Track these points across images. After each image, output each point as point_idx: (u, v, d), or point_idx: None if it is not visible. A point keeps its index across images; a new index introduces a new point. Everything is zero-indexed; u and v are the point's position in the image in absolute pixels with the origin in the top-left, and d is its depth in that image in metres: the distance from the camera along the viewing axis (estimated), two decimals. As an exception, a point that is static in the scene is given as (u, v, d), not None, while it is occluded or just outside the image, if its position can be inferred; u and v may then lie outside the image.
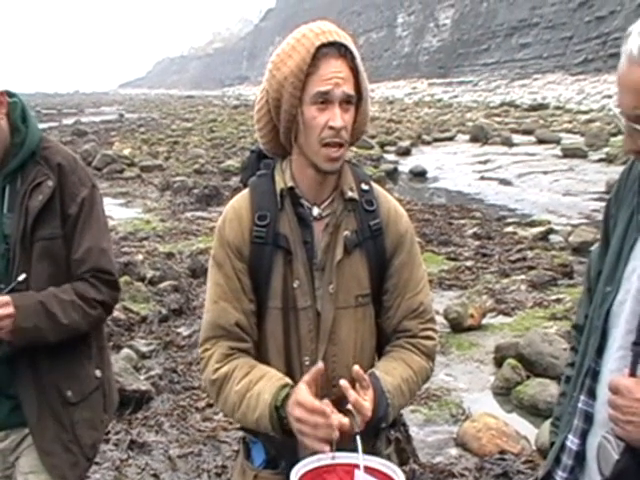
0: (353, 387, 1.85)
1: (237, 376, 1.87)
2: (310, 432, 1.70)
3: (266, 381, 1.83)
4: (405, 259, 1.99)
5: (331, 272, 1.90)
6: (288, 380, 1.82)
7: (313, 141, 1.84)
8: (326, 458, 1.73)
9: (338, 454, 1.73)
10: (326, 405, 1.71)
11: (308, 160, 1.88)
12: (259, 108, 1.94)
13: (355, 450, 1.73)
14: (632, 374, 1.61)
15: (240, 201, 1.97)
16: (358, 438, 1.68)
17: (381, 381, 1.83)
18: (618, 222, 1.81)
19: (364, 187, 1.99)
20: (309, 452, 1.89)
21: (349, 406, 1.73)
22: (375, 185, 2.05)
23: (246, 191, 1.98)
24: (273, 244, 1.89)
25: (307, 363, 1.90)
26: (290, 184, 1.91)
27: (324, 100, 1.80)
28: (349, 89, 1.82)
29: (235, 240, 1.91)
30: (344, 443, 1.75)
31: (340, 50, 1.81)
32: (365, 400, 1.74)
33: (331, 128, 1.80)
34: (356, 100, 1.86)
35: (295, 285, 1.89)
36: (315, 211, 1.93)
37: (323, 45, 1.79)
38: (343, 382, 1.72)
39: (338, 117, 1.80)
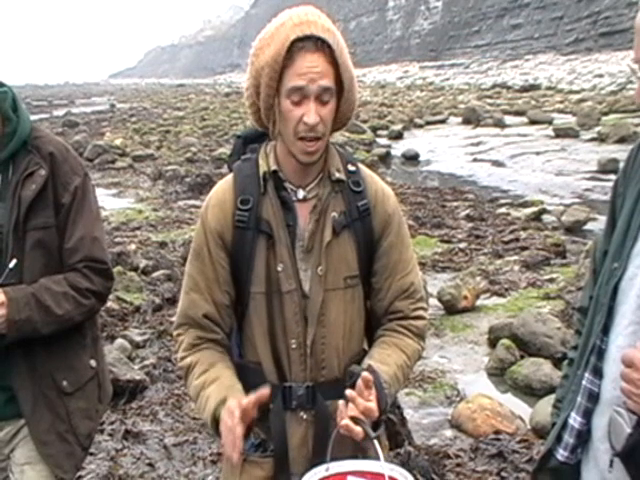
0: (344, 374, 1.88)
1: (196, 372, 1.92)
2: (223, 435, 1.73)
3: (215, 387, 1.85)
4: (394, 240, 1.99)
5: (320, 254, 1.89)
6: (236, 389, 1.83)
7: (289, 133, 1.82)
8: (321, 470, 1.72)
9: (332, 464, 1.72)
10: (241, 408, 1.70)
11: (288, 149, 1.87)
12: (246, 89, 1.93)
13: (356, 457, 1.75)
14: None
15: (224, 185, 1.96)
16: (376, 443, 1.67)
17: (379, 375, 1.82)
18: (626, 200, 1.79)
19: (351, 168, 1.97)
20: (297, 444, 1.92)
21: (355, 413, 1.71)
22: (362, 166, 2.03)
23: (230, 175, 1.98)
24: (255, 229, 1.89)
25: (293, 346, 1.90)
26: (274, 167, 1.90)
27: (299, 95, 1.78)
28: (327, 82, 1.78)
29: (217, 226, 1.91)
30: (348, 450, 1.77)
31: (317, 44, 1.76)
32: (371, 401, 1.73)
33: (306, 124, 1.78)
34: (339, 89, 1.83)
35: (279, 269, 1.88)
36: (300, 194, 1.92)
37: (299, 39, 1.75)
38: (349, 392, 1.72)
39: (312, 113, 1.77)
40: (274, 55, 1.76)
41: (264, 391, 1.74)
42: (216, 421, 1.79)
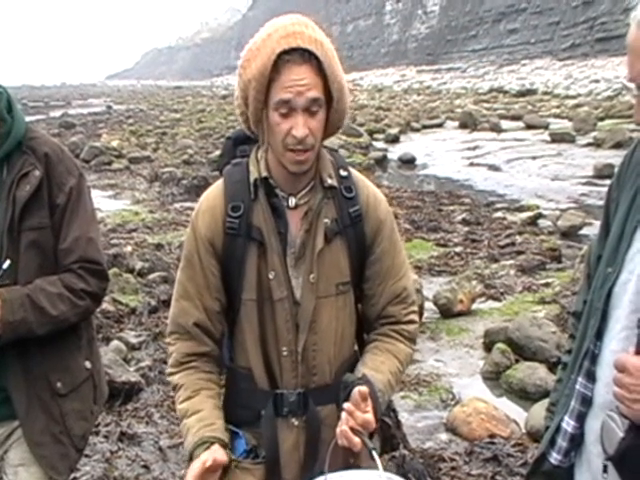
0: (335, 379, 1.89)
1: (181, 395, 1.95)
2: None
3: (196, 421, 1.88)
4: (386, 246, 1.99)
5: (312, 262, 1.88)
6: (210, 433, 1.85)
7: (278, 145, 1.82)
8: None
9: (330, 475, 1.72)
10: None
11: (277, 159, 1.87)
12: (236, 98, 1.92)
13: (349, 466, 1.76)
14: (638, 352, 1.59)
15: (214, 191, 1.96)
16: (375, 454, 1.67)
17: (374, 385, 1.83)
18: (620, 204, 1.80)
19: (343, 173, 1.97)
20: (289, 450, 1.92)
21: (353, 424, 1.71)
22: (353, 170, 2.02)
23: (220, 181, 1.97)
24: (246, 236, 1.88)
25: (285, 353, 1.90)
26: (264, 174, 1.89)
27: (287, 108, 1.76)
28: (315, 94, 1.76)
29: (207, 232, 1.91)
30: (339, 458, 1.77)
31: (304, 56, 1.74)
32: (367, 412, 1.73)
33: (294, 137, 1.78)
34: (328, 100, 1.82)
35: (271, 276, 1.88)
36: (292, 201, 1.91)
37: (285, 52, 1.73)
38: (347, 406, 1.72)
39: (300, 127, 1.76)
40: (261, 69, 1.74)
41: (220, 460, 1.79)
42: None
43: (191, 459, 1.82)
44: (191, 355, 1.96)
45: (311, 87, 1.75)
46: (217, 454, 1.79)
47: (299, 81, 1.74)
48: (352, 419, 1.71)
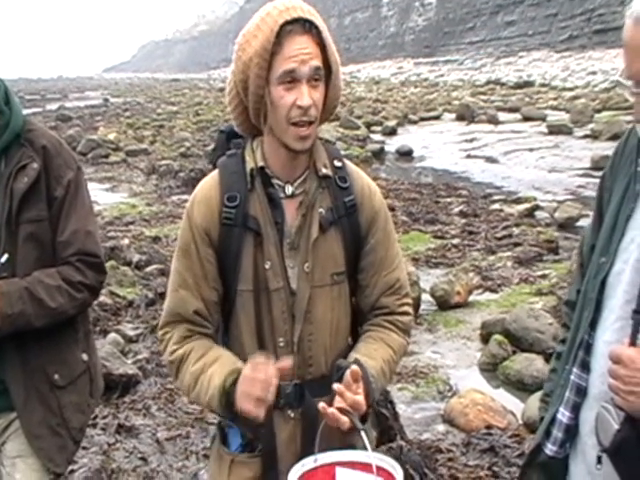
0: (331, 370, 1.88)
1: (192, 358, 1.88)
2: (246, 389, 1.72)
3: (218, 365, 1.83)
4: (381, 237, 1.98)
5: (307, 251, 1.88)
6: (240, 365, 1.81)
7: (281, 121, 1.80)
8: (309, 462, 1.72)
9: (320, 455, 1.72)
10: (276, 366, 1.72)
11: (279, 140, 1.85)
12: (229, 90, 1.92)
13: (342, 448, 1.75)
14: (632, 343, 1.59)
15: (209, 182, 1.94)
16: (364, 435, 1.67)
17: (367, 369, 1.82)
18: (613, 194, 1.79)
19: (337, 164, 1.97)
20: (286, 442, 1.91)
21: (342, 404, 1.70)
22: (348, 162, 2.02)
23: (215, 172, 1.95)
24: (242, 226, 1.87)
25: (281, 344, 1.89)
26: (261, 163, 1.89)
27: (291, 79, 1.77)
28: (317, 62, 1.78)
29: (203, 222, 1.89)
30: (336, 444, 1.76)
31: (305, 26, 1.77)
32: (359, 394, 1.73)
33: (299, 107, 1.78)
34: (326, 74, 1.83)
35: (267, 266, 1.87)
36: (289, 189, 1.91)
37: (287, 22, 1.75)
38: (337, 386, 1.71)
39: (305, 95, 1.77)
40: (263, 43, 1.75)
41: (286, 363, 1.75)
42: (226, 393, 1.77)
43: (226, 394, 1.77)
44: (193, 332, 1.93)
45: (313, 56, 1.77)
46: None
47: (302, 50, 1.76)
48: (342, 400, 1.70)
